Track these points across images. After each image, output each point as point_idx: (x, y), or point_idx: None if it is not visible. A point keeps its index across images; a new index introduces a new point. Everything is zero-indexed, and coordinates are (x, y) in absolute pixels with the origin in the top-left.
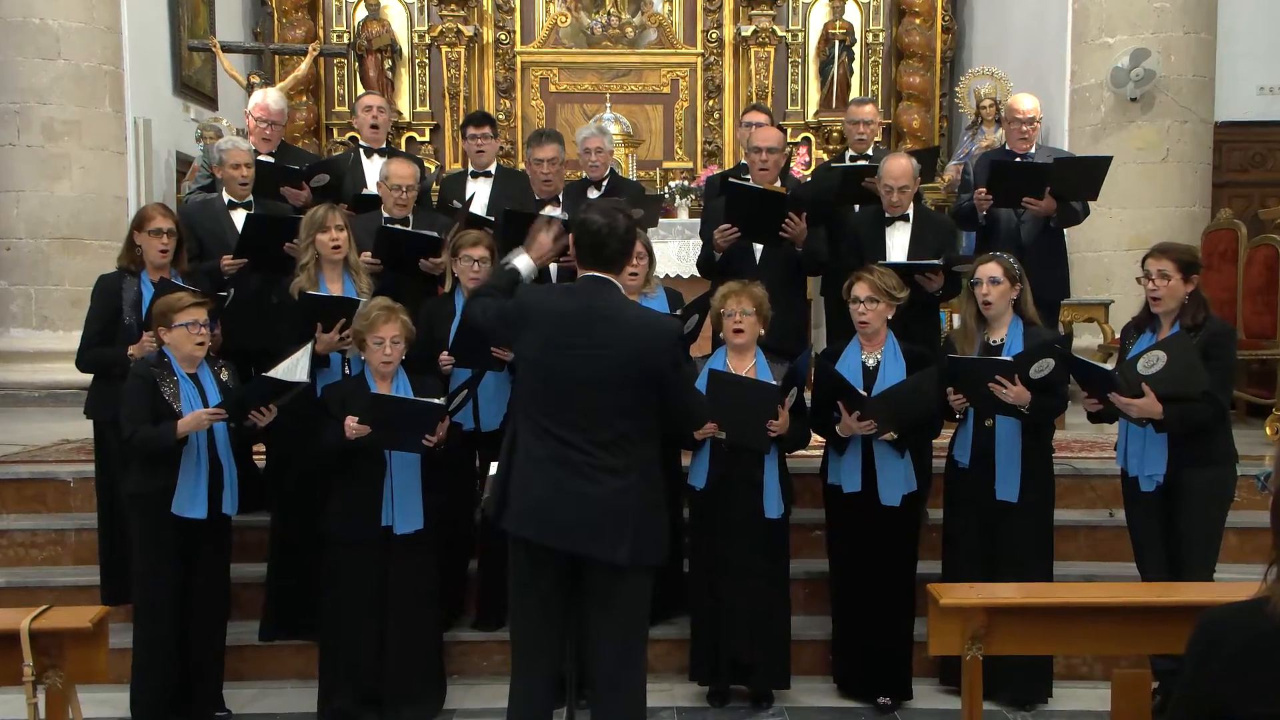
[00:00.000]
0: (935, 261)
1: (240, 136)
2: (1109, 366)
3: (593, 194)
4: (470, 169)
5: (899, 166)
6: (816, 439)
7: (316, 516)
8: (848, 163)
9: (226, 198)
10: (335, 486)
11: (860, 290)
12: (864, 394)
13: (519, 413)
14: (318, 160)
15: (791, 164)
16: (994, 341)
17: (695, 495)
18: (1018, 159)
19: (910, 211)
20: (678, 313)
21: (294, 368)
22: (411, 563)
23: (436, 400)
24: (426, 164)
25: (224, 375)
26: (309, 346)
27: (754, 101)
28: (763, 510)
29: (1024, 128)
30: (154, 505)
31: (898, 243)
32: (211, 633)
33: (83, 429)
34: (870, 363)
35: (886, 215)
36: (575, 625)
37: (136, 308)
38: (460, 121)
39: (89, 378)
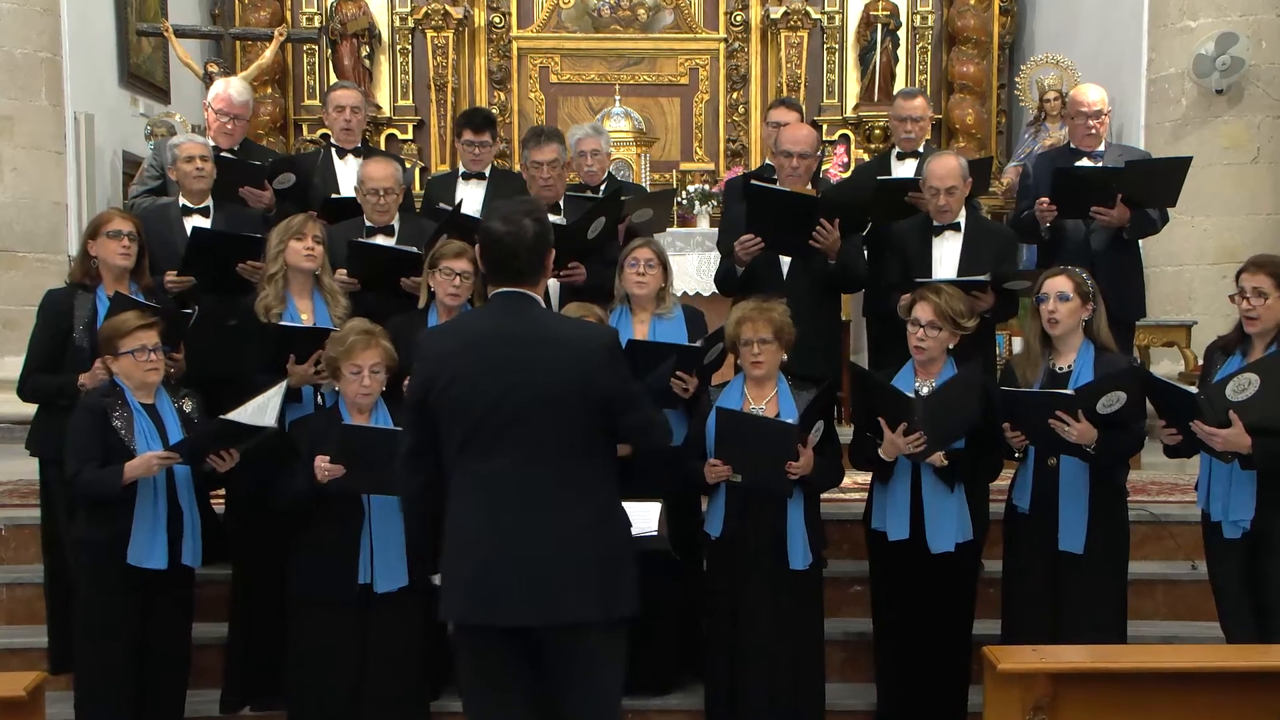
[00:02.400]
0: (980, 278)
1: (197, 133)
2: (1192, 389)
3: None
4: (461, 170)
5: (945, 165)
6: (857, 479)
7: (284, 571)
8: (893, 165)
9: (181, 201)
10: (305, 537)
11: (923, 313)
12: (911, 396)
13: (449, 475)
14: (282, 157)
15: (827, 166)
16: (1060, 368)
17: (712, 544)
18: (1084, 160)
19: (962, 219)
20: (698, 343)
21: (262, 410)
22: (393, 625)
23: None
24: (406, 164)
25: (187, 406)
26: (281, 387)
27: (782, 95)
28: (788, 561)
29: (1090, 122)
30: (105, 554)
31: (947, 255)
32: (169, 703)
33: (19, 468)
34: (924, 391)
35: (935, 224)
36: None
37: (91, 328)
38: (447, 116)
39: (31, 408)
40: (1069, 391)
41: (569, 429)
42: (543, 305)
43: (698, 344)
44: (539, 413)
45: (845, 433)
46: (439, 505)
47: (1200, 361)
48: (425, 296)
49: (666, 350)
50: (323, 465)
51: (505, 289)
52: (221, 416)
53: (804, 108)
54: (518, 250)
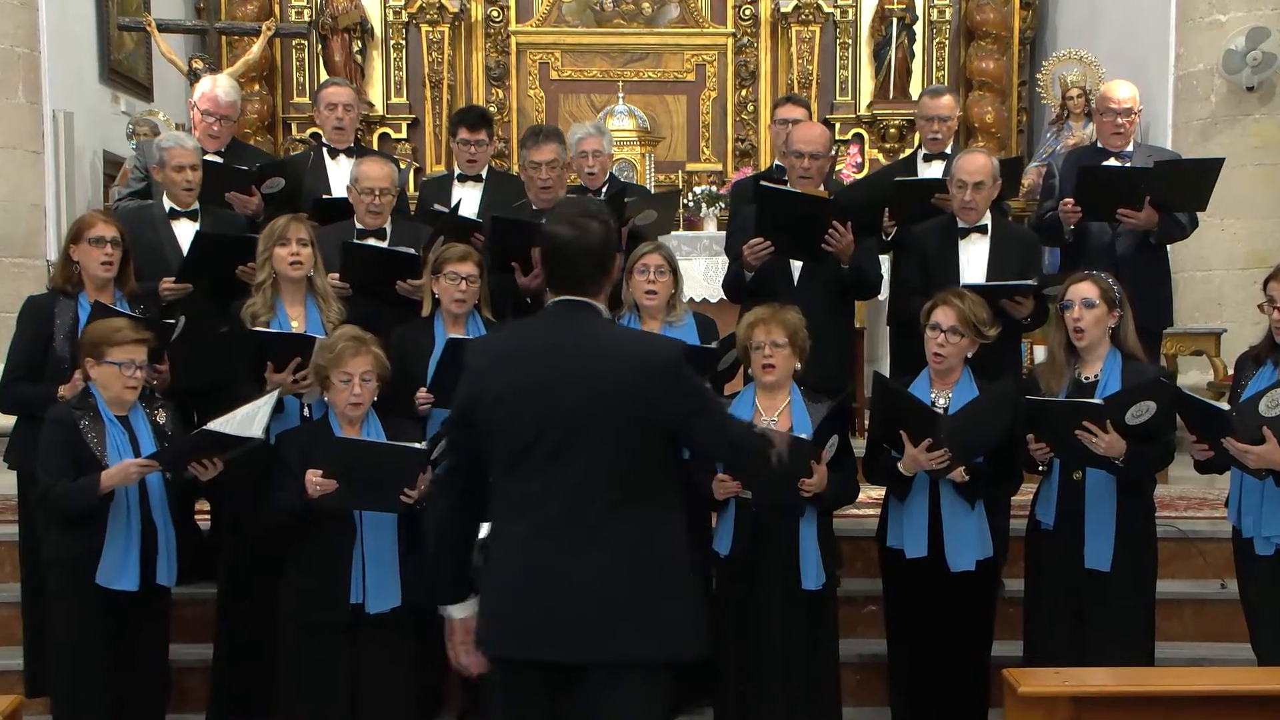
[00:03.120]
0: (1029, 282)
1: (184, 133)
2: (1223, 405)
3: None
4: (457, 171)
5: (974, 161)
6: (871, 494)
7: (272, 590)
8: (919, 167)
9: (167, 204)
10: (294, 556)
11: (944, 317)
12: (939, 412)
13: (494, 497)
14: (271, 160)
15: (840, 166)
16: (1086, 378)
17: (721, 563)
18: (1111, 160)
19: (988, 222)
20: (713, 345)
21: (250, 419)
22: (386, 648)
23: (417, 445)
24: (401, 164)
25: (161, 418)
26: (273, 396)
27: (789, 93)
28: (800, 581)
29: (1119, 120)
30: (76, 574)
31: (974, 259)
32: None
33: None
34: (940, 402)
35: (960, 226)
36: None
37: (72, 336)
38: (442, 114)
39: (10, 420)
40: (1097, 400)
41: (627, 452)
42: (605, 316)
43: (713, 345)
44: (594, 434)
45: (859, 446)
46: (472, 528)
47: (1230, 371)
48: (429, 303)
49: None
50: (315, 480)
51: (565, 297)
52: (206, 427)
53: (815, 106)
54: (581, 255)
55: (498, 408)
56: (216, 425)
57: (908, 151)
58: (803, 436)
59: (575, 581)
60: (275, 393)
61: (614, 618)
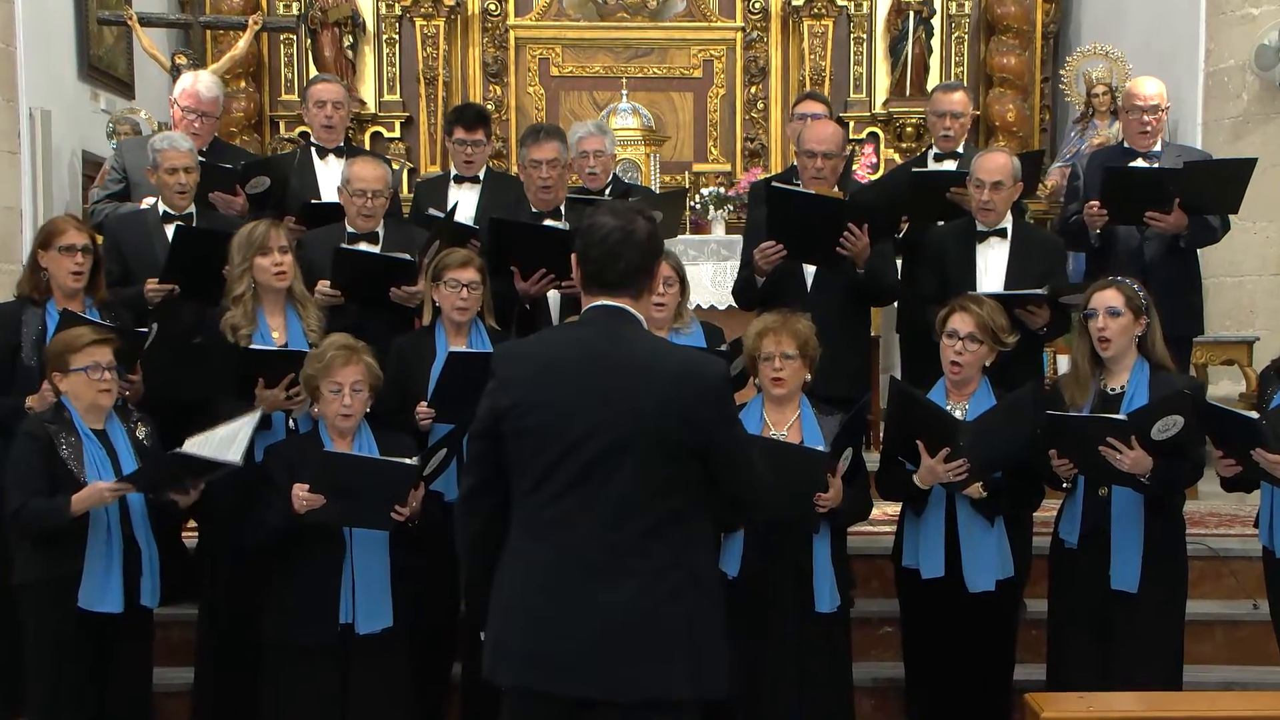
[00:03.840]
0: (1038, 291)
1: (178, 134)
2: (1253, 414)
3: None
4: (453, 172)
5: (995, 161)
6: (886, 510)
7: (257, 611)
8: (930, 165)
9: (162, 208)
10: (281, 574)
11: (960, 323)
12: (960, 421)
13: (513, 509)
14: (255, 158)
15: (855, 167)
16: (1112, 389)
17: (730, 584)
18: (1138, 160)
19: (1008, 225)
20: (723, 348)
21: (228, 442)
22: (378, 671)
23: (408, 460)
24: (393, 164)
25: (140, 433)
26: (254, 417)
27: (808, 89)
28: (813, 602)
29: (1146, 118)
30: (54, 597)
31: (993, 264)
32: None
33: None
34: (957, 414)
35: (978, 229)
36: None
37: (40, 346)
38: (437, 112)
39: None
40: (1121, 416)
41: (664, 475)
42: (643, 325)
43: (722, 348)
44: (631, 454)
45: (873, 460)
46: (499, 549)
47: None
48: (430, 312)
49: None
50: (301, 494)
51: (603, 302)
52: (180, 450)
53: (832, 104)
54: (626, 251)
55: (527, 421)
56: (192, 446)
57: (924, 150)
58: (818, 449)
59: (605, 611)
60: (257, 413)
61: (646, 652)
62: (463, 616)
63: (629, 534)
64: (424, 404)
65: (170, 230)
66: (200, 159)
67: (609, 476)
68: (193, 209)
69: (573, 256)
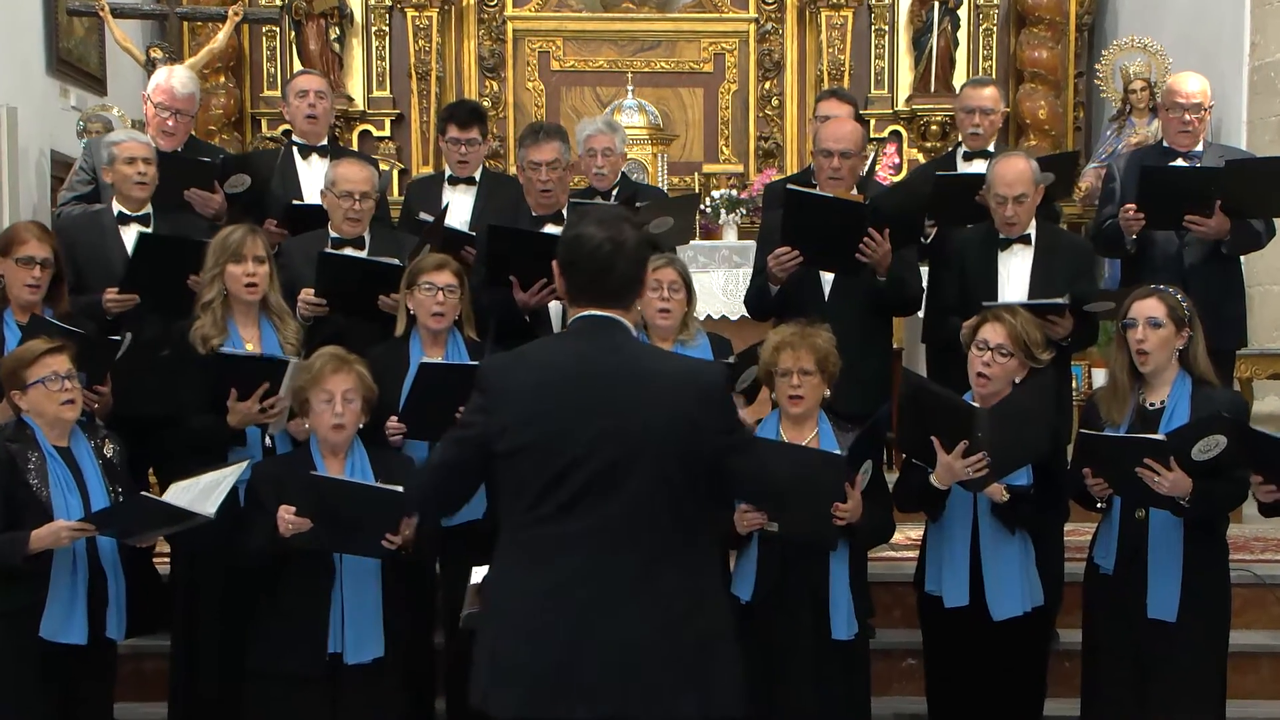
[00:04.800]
0: (1059, 301)
1: (137, 129)
2: None
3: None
4: (447, 173)
5: (1013, 168)
6: (909, 534)
7: (237, 639)
8: (959, 166)
9: (117, 208)
10: (267, 601)
11: (992, 334)
12: (975, 406)
13: (504, 531)
14: (235, 155)
15: (877, 168)
16: (1151, 404)
17: (742, 610)
18: (1178, 160)
19: (1032, 231)
20: (730, 359)
21: (208, 493)
22: (367, 702)
23: (399, 488)
24: (383, 165)
25: (108, 450)
26: (239, 468)
27: (831, 87)
28: (829, 629)
29: (1187, 116)
30: (14, 628)
31: (1015, 272)
32: None
33: None
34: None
35: (1000, 236)
36: None
37: None
38: (430, 110)
39: None
40: (1159, 436)
41: (668, 487)
42: (633, 334)
43: (730, 360)
44: (636, 469)
45: (895, 479)
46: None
47: None
48: (404, 321)
49: None
50: (287, 517)
51: (591, 312)
52: (151, 495)
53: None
54: (616, 261)
55: (522, 439)
56: (173, 494)
57: (952, 149)
58: (835, 452)
59: (613, 634)
60: (243, 465)
61: (656, 676)
62: (442, 647)
63: (635, 552)
64: (394, 419)
65: (127, 233)
66: (175, 154)
67: (612, 493)
68: (150, 210)
69: (554, 264)
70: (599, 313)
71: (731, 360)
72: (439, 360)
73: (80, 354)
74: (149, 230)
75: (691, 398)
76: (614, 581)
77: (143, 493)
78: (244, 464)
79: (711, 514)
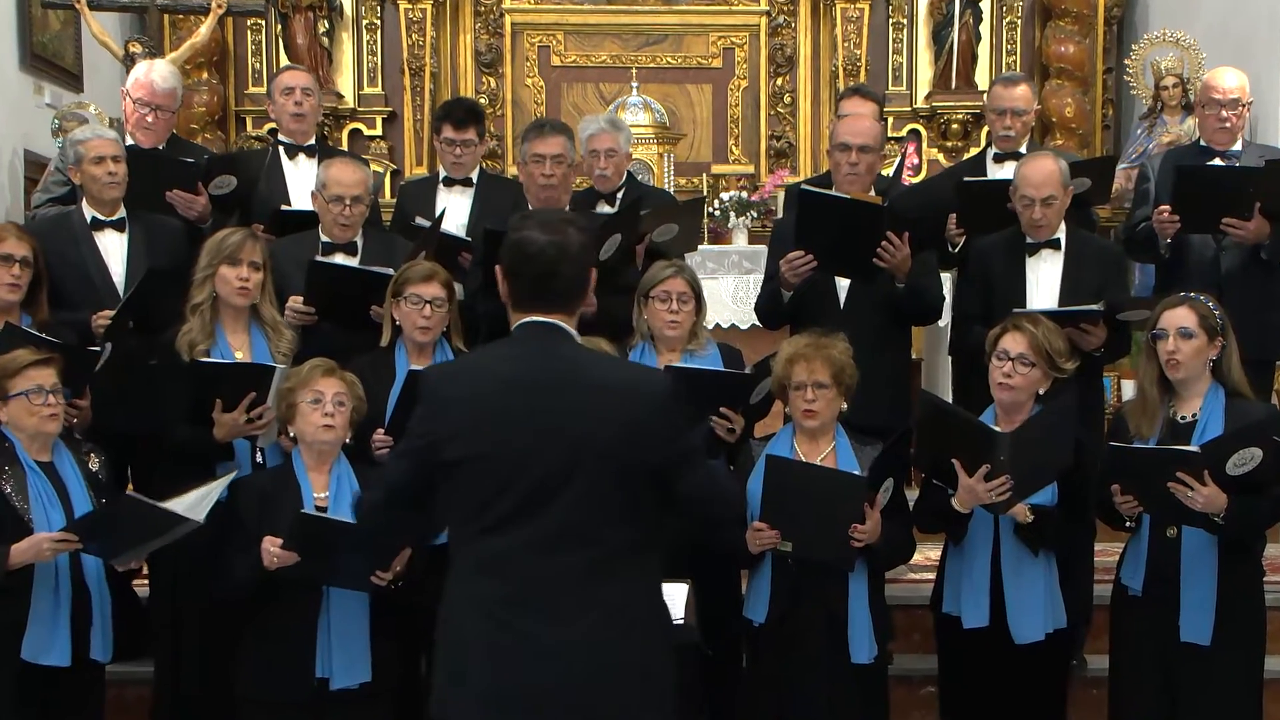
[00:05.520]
0: (1093, 308)
1: (112, 128)
2: None
3: (604, 210)
4: (442, 175)
5: (1040, 170)
6: (929, 555)
7: (222, 665)
8: (988, 169)
9: (89, 213)
10: (253, 624)
11: (1013, 344)
12: (997, 430)
13: (452, 542)
14: (220, 155)
15: (888, 170)
16: (1183, 418)
17: (755, 633)
18: (1214, 160)
19: (1062, 235)
20: (747, 369)
21: (195, 505)
22: None
23: None
24: (374, 166)
25: (93, 464)
26: (226, 481)
27: (853, 84)
28: (848, 653)
29: (1224, 113)
30: None
31: (1044, 279)
32: None
33: None
34: None
35: (1028, 240)
36: None
37: None
38: (424, 107)
39: None
40: (1192, 448)
41: (612, 498)
42: (578, 340)
43: (747, 371)
44: (576, 477)
45: (913, 498)
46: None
47: None
48: (389, 331)
49: (710, 379)
50: (272, 550)
51: (534, 318)
52: (135, 495)
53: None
54: (560, 266)
55: (465, 448)
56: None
57: (974, 151)
58: (854, 473)
59: (559, 649)
60: (229, 477)
61: (602, 691)
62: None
63: (580, 565)
64: (381, 431)
65: (102, 239)
66: (157, 152)
67: (555, 503)
68: (124, 213)
69: (497, 270)
70: (542, 319)
71: (748, 371)
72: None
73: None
74: (127, 235)
75: (634, 406)
76: (556, 594)
77: (128, 493)
78: (231, 475)
79: (659, 526)
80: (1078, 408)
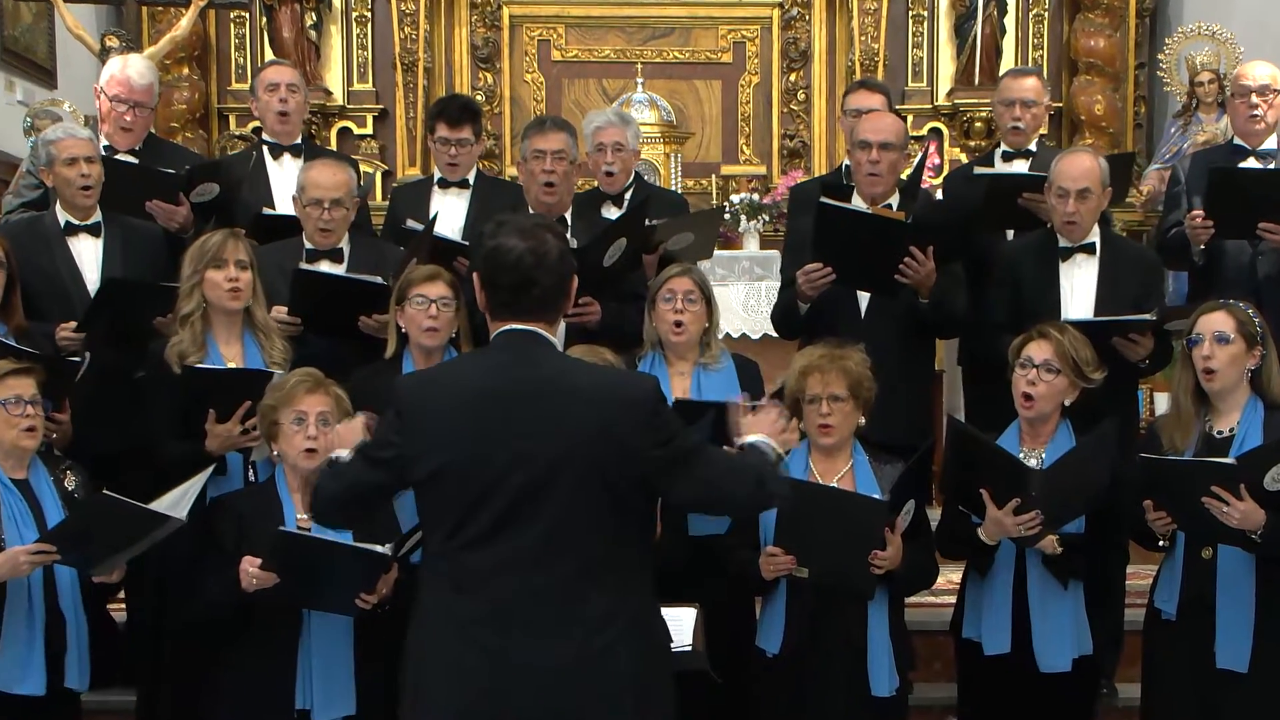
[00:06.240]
0: (1146, 317)
1: (87, 127)
2: None
3: (610, 213)
4: (436, 176)
5: (1078, 165)
6: (951, 578)
7: (200, 695)
8: (997, 166)
9: (63, 217)
10: (229, 652)
11: (1036, 351)
12: (1031, 467)
13: (426, 557)
14: (202, 160)
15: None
16: (1219, 432)
17: (767, 664)
18: (1249, 161)
19: (1096, 239)
20: (761, 400)
21: (175, 503)
22: None
23: (379, 548)
24: (365, 167)
25: (70, 483)
26: (204, 476)
27: (860, 77)
28: (868, 685)
29: (1254, 100)
30: None
31: (1079, 285)
32: None
33: None
34: (1031, 463)
35: (1061, 244)
36: None
37: None
38: (417, 105)
39: None
40: (1229, 460)
41: (596, 510)
42: (558, 349)
43: (760, 401)
44: (552, 490)
45: (936, 516)
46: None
47: None
48: (395, 342)
49: (724, 413)
50: (251, 570)
51: (512, 326)
52: (113, 494)
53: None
54: (537, 273)
55: (440, 461)
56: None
57: (990, 149)
58: (875, 497)
59: (540, 671)
60: (206, 471)
61: (604, 708)
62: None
63: (562, 579)
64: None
65: (75, 244)
66: (132, 159)
67: (536, 515)
68: (99, 217)
69: (475, 277)
70: (519, 327)
71: (760, 402)
72: None
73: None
74: (101, 240)
75: (615, 413)
76: (537, 611)
77: (105, 491)
78: (206, 471)
79: (650, 536)
80: (1116, 435)
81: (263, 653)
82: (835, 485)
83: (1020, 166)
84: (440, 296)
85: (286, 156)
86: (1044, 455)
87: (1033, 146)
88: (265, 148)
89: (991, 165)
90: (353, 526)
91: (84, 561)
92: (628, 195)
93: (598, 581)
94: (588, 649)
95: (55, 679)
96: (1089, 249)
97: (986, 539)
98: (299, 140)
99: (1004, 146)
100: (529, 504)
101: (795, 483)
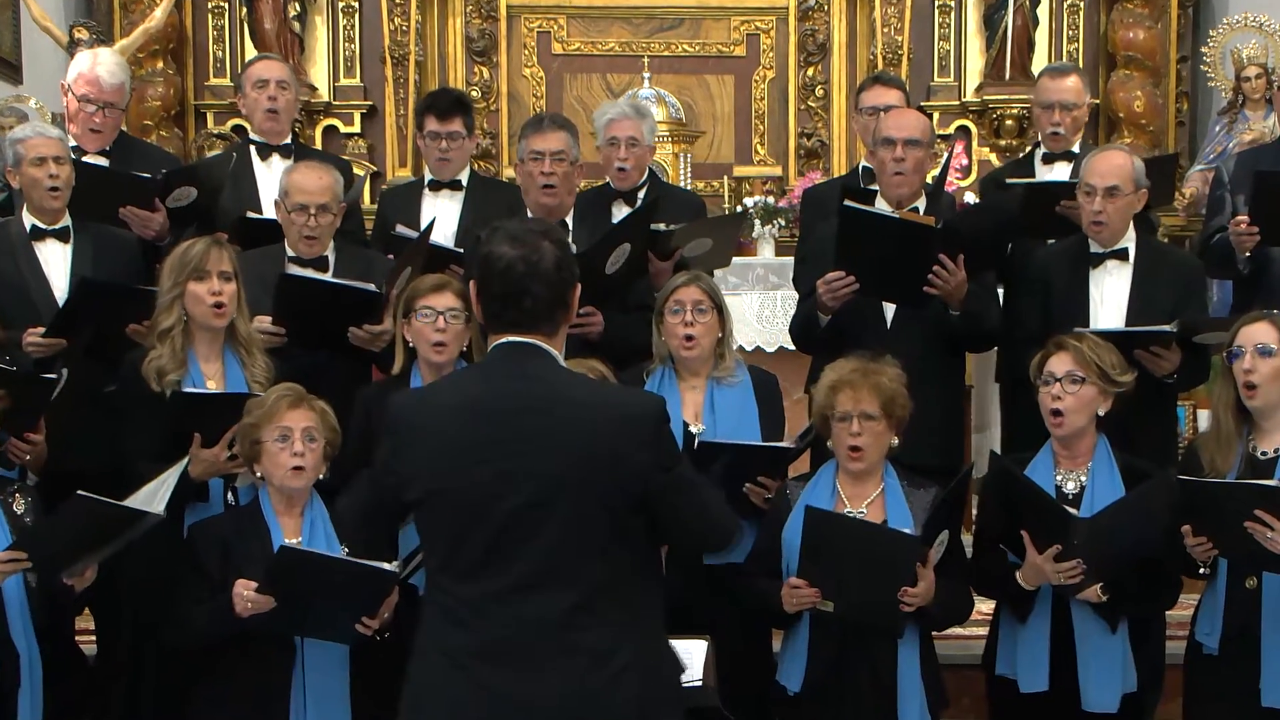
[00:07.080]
0: (1163, 328)
1: (55, 125)
2: None
3: (620, 213)
4: (428, 177)
5: (1109, 161)
6: (983, 609)
7: None
8: (1037, 169)
9: (29, 221)
10: (218, 678)
11: (1058, 365)
12: (1073, 513)
13: (426, 595)
14: (179, 164)
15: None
16: (1264, 452)
17: (788, 701)
18: None
19: (1131, 245)
20: (792, 443)
21: (149, 498)
22: None
23: (386, 565)
24: (356, 169)
25: (17, 506)
26: (179, 468)
27: (879, 71)
28: None
29: None
30: None
31: (1111, 293)
32: None
33: None
34: (1070, 487)
35: (1092, 249)
36: None
37: None
38: (408, 101)
39: None
40: (1272, 483)
41: (594, 533)
42: (560, 362)
43: (790, 446)
44: (553, 511)
45: (968, 541)
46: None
47: None
48: (403, 358)
49: (746, 455)
50: (246, 594)
51: (510, 339)
52: (88, 494)
53: (909, 89)
54: (529, 282)
55: (433, 485)
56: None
57: (1029, 149)
58: (905, 531)
59: (539, 709)
60: (182, 463)
61: None
62: None
63: (561, 608)
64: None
65: (43, 249)
66: (103, 162)
67: (531, 539)
68: (69, 221)
69: (471, 286)
70: (517, 339)
71: (792, 445)
72: None
73: (8, 394)
74: (71, 246)
75: (616, 431)
76: (535, 642)
77: (79, 492)
78: (178, 466)
79: (656, 569)
80: (1173, 485)
81: (253, 682)
82: (864, 515)
83: (1062, 170)
84: (449, 308)
85: (275, 157)
86: (1084, 479)
87: (1075, 148)
88: (253, 148)
89: (1031, 168)
90: (375, 546)
91: (56, 565)
92: (640, 194)
93: (599, 611)
94: (590, 684)
95: (7, 714)
96: (1122, 255)
97: (1025, 584)
98: (288, 140)
99: (1043, 149)
100: (522, 529)
101: (819, 514)
